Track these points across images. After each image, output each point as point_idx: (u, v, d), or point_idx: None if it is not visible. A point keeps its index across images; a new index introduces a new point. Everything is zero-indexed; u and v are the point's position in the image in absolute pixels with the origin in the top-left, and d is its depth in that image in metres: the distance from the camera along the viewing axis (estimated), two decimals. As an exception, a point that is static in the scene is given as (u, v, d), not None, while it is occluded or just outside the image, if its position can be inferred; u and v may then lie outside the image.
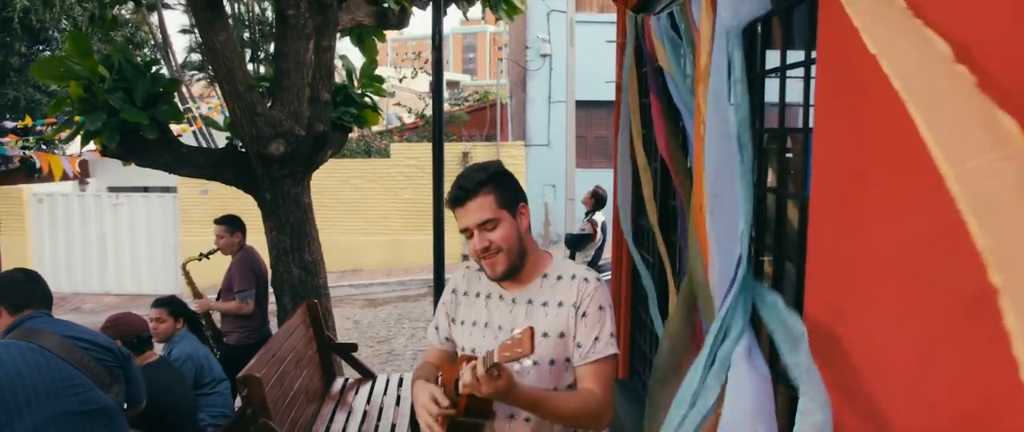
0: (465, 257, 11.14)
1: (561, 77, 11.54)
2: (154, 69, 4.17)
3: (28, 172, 14.72)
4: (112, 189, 14.78)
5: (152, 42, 6.18)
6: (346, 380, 4.30)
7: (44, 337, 2.17)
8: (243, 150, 4.37)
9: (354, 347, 4.40)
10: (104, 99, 3.83)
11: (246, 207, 11.40)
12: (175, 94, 4.52)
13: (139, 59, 4.25)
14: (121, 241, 13.05)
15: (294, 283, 4.37)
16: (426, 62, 13.76)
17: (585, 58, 10.52)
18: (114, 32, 13.61)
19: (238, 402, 3.35)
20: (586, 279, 1.85)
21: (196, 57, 12.75)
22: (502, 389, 1.56)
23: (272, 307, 4.61)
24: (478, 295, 1.95)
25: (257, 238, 4.52)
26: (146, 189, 14.91)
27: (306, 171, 4.42)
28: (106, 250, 13.09)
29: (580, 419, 1.78)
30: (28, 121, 11.66)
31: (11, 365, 1.95)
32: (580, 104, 11.23)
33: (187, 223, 12.86)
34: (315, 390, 3.96)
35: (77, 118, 4.06)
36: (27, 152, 14.15)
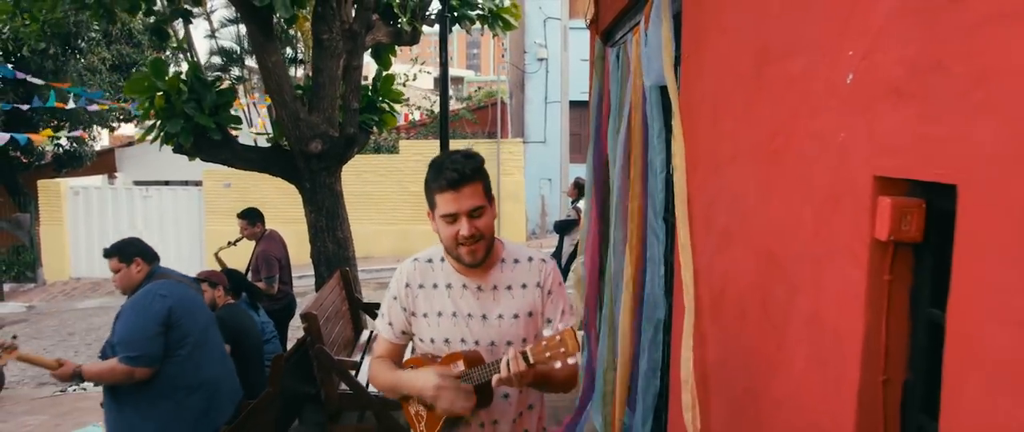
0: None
1: (556, 79, 12.54)
2: (217, 84, 5.20)
3: (57, 166, 15.79)
4: (138, 183, 15.86)
5: (175, 44, 6.98)
6: (371, 332, 5.32)
7: (173, 277, 3.19)
8: (287, 148, 5.40)
9: (378, 306, 5.41)
10: (181, 108, 4.86)
11: (265, 198, 12.56)
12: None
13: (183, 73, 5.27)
14: (151, 230, 14.09)
15: (329, 255, 5.41)
16: (424, 63, 14.79)
17: (578, 62, 11.51)
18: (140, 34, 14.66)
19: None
20: (543, 260, 1.97)
21: (217, 60, 13.75)
22: (532, 379, 1.71)
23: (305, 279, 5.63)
24: (435, 286, 1.95)
25: (284, 225, 5.54)
26: (167, 182, 15.98)
27: (338, 165, 5.45)
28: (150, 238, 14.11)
29: (565, 386, 1.93)
30: (48, 133, 12.59)
31: (186, 294, 3.02)
32: (574, 104, 12.22)
33: (212, 214, 13.92)
34: (347, 339, 4.99)
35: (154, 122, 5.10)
36: (59, 147, 15.23)
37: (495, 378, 1.70)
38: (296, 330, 5.22)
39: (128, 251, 3.06)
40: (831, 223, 1.36)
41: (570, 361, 1.59)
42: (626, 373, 3.25)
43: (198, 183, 14.40)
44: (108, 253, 3.09)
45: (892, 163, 1.16)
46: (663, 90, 2.73)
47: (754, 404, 1.78)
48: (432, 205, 1.84)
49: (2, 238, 14.81)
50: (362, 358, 4.92)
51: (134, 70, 15.64)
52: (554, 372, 1.81)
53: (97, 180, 15.53)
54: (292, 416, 4.43)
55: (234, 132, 5.47)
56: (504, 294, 1.91)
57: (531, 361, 1.65)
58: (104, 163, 16.89)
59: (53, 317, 11.39)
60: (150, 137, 4.97)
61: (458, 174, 1.76)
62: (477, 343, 1.90)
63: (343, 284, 5.13)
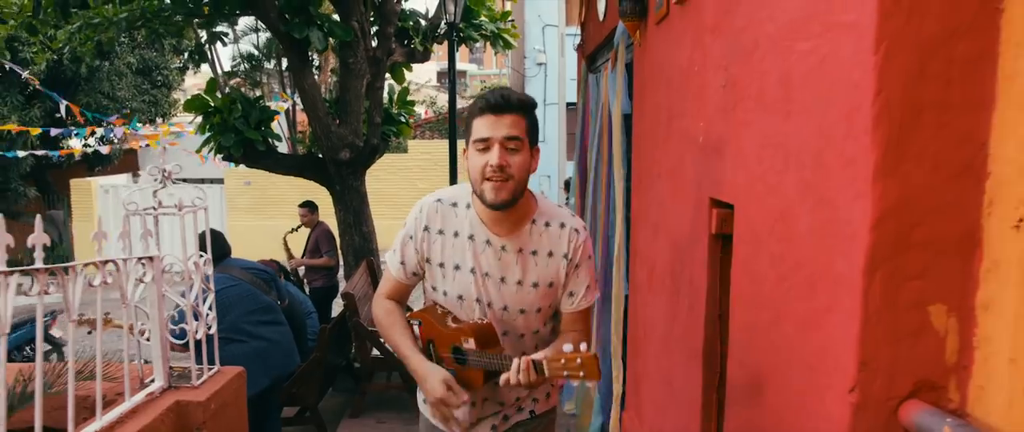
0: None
1: (554, 82, 13.42)
2: (260, 103, 6.12)
3: (89, 166, 16.74)
4: (159, 181, 16.79)
5: (195, 53, 7.81)
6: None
7: (232, 269, 4.09)
8: (320, 156, 6.32)
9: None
10: (233, 123, 5.78)
11: (282, 195, 13.46)
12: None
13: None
14: (173, 226, 15.00)
15: (356, 247, 6.33)
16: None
17: (574, 67, 12.36)
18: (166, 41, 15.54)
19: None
20: (576, 229, 1.83)
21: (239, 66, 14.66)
22: (537, 384, 1.63)
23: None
24: (457, 235, 1.83)
25: (298, 220, 6.50)
26: (185, 180, 16.92)
27: (363, 170, 6.36)
28: (162, 233, 15.08)
29: None
30: (92, 129, 13.51)
31: (232, 285, 3.90)
32: (570, 106, 13.07)
33: (233, 211, 14.86)
34: (371, 319, 5.92)
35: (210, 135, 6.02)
36: (89, 147, 16.15)
37: (503, 377, 1.64)
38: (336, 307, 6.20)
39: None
40: (696, 223, 2.27)
41: (587, 384, 1.65)
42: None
43: (215, 181, 15.33)
44: None
45: (716, 191, 2.07)
46: (627, 117, 3.65)
47: (665, 342, 2.70)
48: (468, 134, 1.74)
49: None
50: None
51: (155, 72, 16.60)
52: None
53: (123, 178, 16.48)
54: (330, 382, 5.36)
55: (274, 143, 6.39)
56: (529, 259, 1.79)
57: (545, 373, 1.58)
58: (127, 162, 17.83)
59: (88, 307, 12.31)
60: (207, 149, 5.89)
61: (503, 99, 1.68)
62: (490, 305, 1.82)
63: (369, 271, 6.06)
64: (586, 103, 5.27)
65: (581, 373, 1.51)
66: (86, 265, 1.52)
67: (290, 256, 6.61)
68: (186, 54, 14.41)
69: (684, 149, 2.43)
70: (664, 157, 2.77)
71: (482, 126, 1.69)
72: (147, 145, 12.91)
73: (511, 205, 1.73)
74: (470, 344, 1.74)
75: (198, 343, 2.10)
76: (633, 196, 3.45)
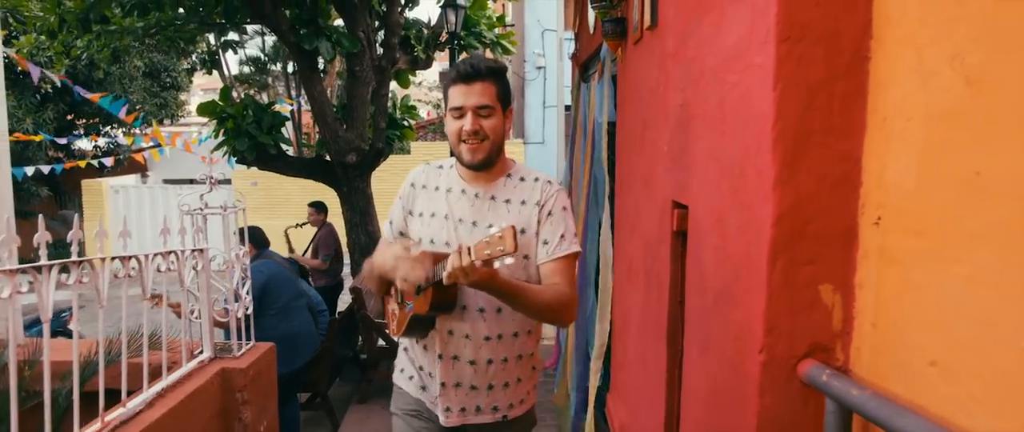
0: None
1: (553, 85, 13.76)
2: (271, 108, 6.48)
3: (100, 166, 17.14)
4: (167, 181, 17.19)
5: (205, 57, 8.13)
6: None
7: (275, 259, 4.47)
8: (328, 159, 6.67)
9: (400, 287, 6.75)
10: (246, 128, 6.14)
11: (288, 195, 13.81)
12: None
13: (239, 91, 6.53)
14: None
15: (363, 245, 6.68)
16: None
17: (572, 70, 12.69)
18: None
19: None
20: (549, 182, 1.91)
21: (245, 69, 15.04)
22: (484, 278, 1.60)
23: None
24: (437, 188, 1.93)
25: (303, 218, 6.86)
26: (192, 181, 17.32)
27: (369, 172, 6.71)
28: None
29: (551, 311, 1.83)
30: (95, 138, 13.90)
31: (280, 271, 4.30)
32: (569, 108, 13.41)
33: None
34: (378, 310, 6.27)
35: (223, 138, 6.37)
36: (99, 149, 16.56)
37: (445, 273, 1.61)
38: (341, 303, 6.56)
39: (248, 234, 4.38)
40: (662, 222, 2.62)
41: (507, 261, 1.47)
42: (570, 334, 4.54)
43: (222, 182, 15.70)
44: None
45: (676, 194, 2.42)
46: (610, 124, 3.99)
47: (641, 329, 3.05)
48: (445, 101, 1.86)
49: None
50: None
51: (164, 74, 16.98)
52: (528, 287, 1.78)
53: (131, 179, 16.87)
54: (338, 371, 5.72)
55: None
56: (502, 206, 1.88)
57: (473, 256, 1.54)
58: (135, 163, 18.23)
59: (110, 302, 12.68)
60: (221, 152, 6.25)
61: (472, 69, 1.79)
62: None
63: (374, 269, 6.41)
64: (578, 109, 5.62)
65: (500, 248, 1.47)
66: (156, 256, 1.87)
67: (291, 250, 6.96)
68: (195, 58, 14.83)
69: (655, 157, 2.78)
70: (640, 163, 3.11)
71: (455, 95, 1.82)
72: (157, 144, 13.30)
73: (488, 165, 1.87)
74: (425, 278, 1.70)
75: (238, 320, 2.46)
76: (616, 198, 3.79)
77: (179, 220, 2.23)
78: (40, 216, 1.80)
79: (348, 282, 6.54)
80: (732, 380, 1.77)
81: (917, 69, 1.32)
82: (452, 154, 2.01)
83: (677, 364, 2.51)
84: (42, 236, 1.61)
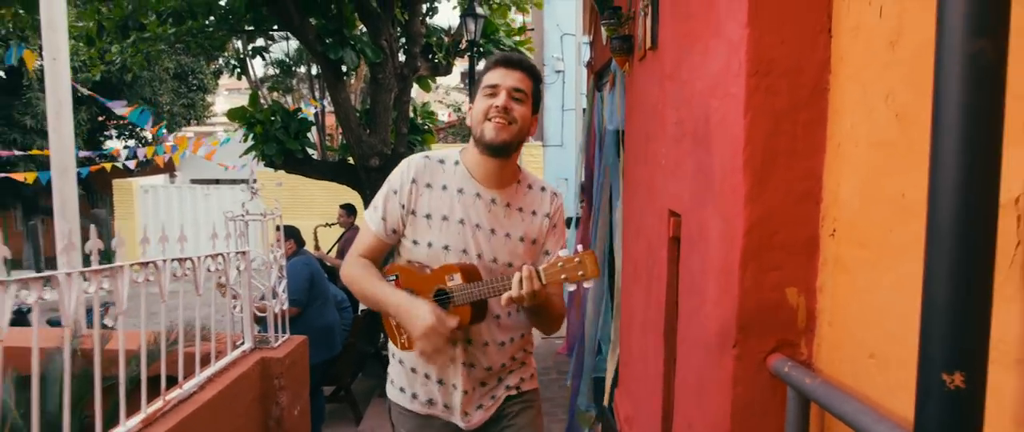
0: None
1: (572, 89, 13.97)
2: (298, 114, 6.77)
3: (125, 167, 17.64)
4: (194, 181, 17.64)
5: (233, 64, 8.54)
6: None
7: (312, 255, 4.75)
8: (352, 163, 6.95)
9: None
10: (274, 133, 6.43)
11: (312, 195, 14.13)
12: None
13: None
14: (210, 223, 15.80)
15: (384, 246, 6.96)
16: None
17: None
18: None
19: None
20: (555, 194, 1.97)
21: (270, 71, 15.41)
22: (541, 299, 1.65)
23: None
24: (445, 188, 1.84)
25: (324, 218, 7.14)
26: (218, 181, 17.75)
27: (390, 176, 6.99)
28: (198, 231, 15.96)
29: (557, 322, 1.93)
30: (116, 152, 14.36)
31: (318, 266, 4.57)
32: (586, 111, 13.61)
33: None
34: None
35: (250, 143, 6.67)
36: (129, 149, 17.03)
37: (506, 296, 1.61)
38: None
39: (288, 233, 4.70)
40: (659, 229, 2.83)
41: (586, 285, 1.49)
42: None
43: (244, 181, 16.10)
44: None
45: (672, 203, 2.64)
46: (617, 133, 4.21)
47: (643, 328, 3.27)
48: (477, 86, 1.84)
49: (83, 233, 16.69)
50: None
51: (190, 77, 17.45)
52: (551, 303, 1.80)
53: (160, 179, 17.33)
54: (360, 367, 5.98)
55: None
56: (517, 214, 1.86)
57: (543, 280, 1.55)
58: (165, 164, 18.73)
59: (133, 300, 13.11)
60: (251, 156, 6.55)
61: (517, 60, 1.83)
62: (479, 256, 1.82)
63: (395, 268, 6.67)
64: (593, 116, 5.84)
65: (580, 272, 1.48)
66: (206, 257, 2.13)
67: (317, 248, 7.24)
68: (222, 62, 15.28)
69: (655, 167, 2.99)
70: (643, 172, 3.33)
71: (494, 75, 1.80)
72: (177, 149, 13.71)
73: (507, 151, 1.80)
74: (456, 280, 1.70)
75: (275, 316, 2.73)
76: (624, 203, 4.01)
77: (224, 224, 2.48)
78: (92, 226, 2.04)
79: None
80: (712, 372, 1.99)
81: (862, 103, 1.54)
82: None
83: (672, 360, 2.73)
84: (94, 244, 1.86)
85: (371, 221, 1.90)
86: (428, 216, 1.82)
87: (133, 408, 1.93)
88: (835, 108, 1.68)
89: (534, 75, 1.83)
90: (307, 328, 4.44)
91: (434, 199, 1.82)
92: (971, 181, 0.89)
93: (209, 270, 2.20)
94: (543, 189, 1.94)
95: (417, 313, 1.68)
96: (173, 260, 1.95)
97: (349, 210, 7.22)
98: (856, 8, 1.57)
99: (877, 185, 1.46)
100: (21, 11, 6.09)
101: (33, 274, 1.58)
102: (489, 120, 1.75)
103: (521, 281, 1.59)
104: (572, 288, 1.52)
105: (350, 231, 7.14)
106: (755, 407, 1.81)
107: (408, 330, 1.72)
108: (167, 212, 15.93)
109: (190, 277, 2.08)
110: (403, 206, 1.84)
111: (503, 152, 1.78)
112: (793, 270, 1.76)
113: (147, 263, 1.88)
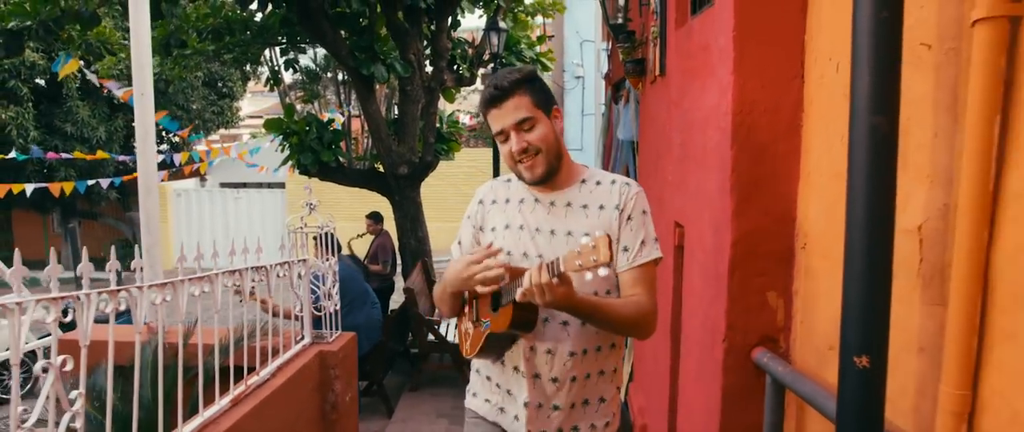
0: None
1: (591, 94, 14.30)
2: (330, 125, 7.17)
3: (160, 171, 18.30)
4: (223, 185, 18.20)
5: (271, 78, 9.06)
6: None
7: (346, 260, 5.14)
8: (381, 171, 7.34)
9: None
10: (309, 143, 6.83)
11: (338, 199, 14.57)
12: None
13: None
14: (240, 227, 16.36)
15: (413, 249, 7.33)
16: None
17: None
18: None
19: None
20: (627, 183, 1.80)
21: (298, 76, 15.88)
22: (562, 298, 1.50)
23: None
24: (507, 201, 1.86)
25: (351, 222, 7.53)
26: (244, 185, 18.30)
27: (419, 182, 7.36)
28: (228, 234, 16.50)
29: (633, 326, 1.73)
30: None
31: (347, 271, 4.95)
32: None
33: (294, 213, 16.05)
34: (427, 309, 6.91)
35: (286, 152, 7.09)
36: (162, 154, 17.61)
37: (518, 291, 1.53)
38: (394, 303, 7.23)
39: (376, 218, 5.14)
40: (667, 238, 3.17)
41: (601, 272, 1.36)
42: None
43: (277, 185, 16.61)
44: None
45: (677, 215, 2.97)
46: (631, 143, 4.54)
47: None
48: (489, 127, 1.79)
49: (110, 233, 17.30)
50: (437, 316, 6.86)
51: (219, 84, 18.01)
52: (608, 303, 1.67)
53: (191, 183, 17.89)
54: (391, 364, 6.36)
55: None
56: (577, 211, 1.77)
57: (561, 268, 1.44)
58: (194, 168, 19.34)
59: (206, 298, 13.64)
60: (289, 165, 6.95)
61: (496, 90, 1.70)
62: (540, 257, 1.75)
63: (423, 271, 7.05)
64: (610, 126, 6.17)
65: (594, 258, 1.36)
66: (276, 265, 2.50)
67: (352, 254, 7.64)
68: (251, 70, 15.82)
69: (664, 182, 3.33)
70: (654, 184, 3.66)
71: (493, 120, 1.74)
72: (210, 155, 14.23)
73: (551, 177, 1.75)
74: (504, 280, 1.64)
75: (330, 315, 3.12)
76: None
77: (288, 238, 2.85)
78: (135, 247, 2.38)
79: (400, 284, 7.20)
80: (706, 364, 2.33)
81: (825, 140, 1.87)
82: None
83: (676, 356, 3.07)
84: (143, 260, 2.21)
85: (453, 251, 1.96)
86: (493, 229, 1.85)
87: (211, 396, 2.30)
88: (807, 143, 2.01)
89: (524, 84, 1.71)
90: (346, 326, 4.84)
91: (498, 212, 1.86)
92: (873, 215, 1.22)
93: (278, 277, 2.57)
94: (613, 182, 1.80)
95: (457, 262, 1.73)
96: (251, 268, 2.32)
97: (376, 218, 7.60)
98: (821, 61, 1.90)
99: (835, 208, 1.79)
100: (75, 29, 6.53)
101: (70, 275, 1.89)
102: (518, 163, 1.73)
103: (531, 274, 1.51)
104: (589, 277, 1.37)
105: (379, 238, 7.51)
106: (741, 392, 2.15)
107: (460, 282, 1.71)
108: (198, 213, 16.49)
109: (264, 282, 2.46)
110: (474, 226, 1.90)
111: (547, 179, 1.75)
112: (773, 277, 2.09)
113: (204, 276, 2.24)
